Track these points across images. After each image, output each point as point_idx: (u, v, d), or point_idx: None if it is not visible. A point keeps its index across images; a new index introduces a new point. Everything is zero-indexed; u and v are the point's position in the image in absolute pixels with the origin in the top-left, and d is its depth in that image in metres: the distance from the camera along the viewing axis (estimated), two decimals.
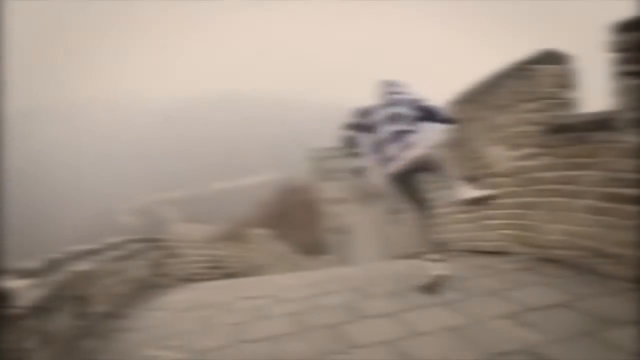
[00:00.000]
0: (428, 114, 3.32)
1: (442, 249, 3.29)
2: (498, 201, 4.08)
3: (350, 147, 3.47)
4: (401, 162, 3.10)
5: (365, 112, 3.36)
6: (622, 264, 2.75)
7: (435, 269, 3.20)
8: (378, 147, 3.22)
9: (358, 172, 3.71)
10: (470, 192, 3.15)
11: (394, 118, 3.19)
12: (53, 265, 2.80)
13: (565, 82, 3.54)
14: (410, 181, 3.18)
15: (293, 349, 2.48)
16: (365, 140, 3.34)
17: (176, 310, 3.67)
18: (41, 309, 2.23)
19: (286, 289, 3.48)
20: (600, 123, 2.86)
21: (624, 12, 2.66)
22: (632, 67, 2.59)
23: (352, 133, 3.43)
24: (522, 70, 3.62)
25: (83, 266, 3.12)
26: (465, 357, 2.13)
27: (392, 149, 3.14)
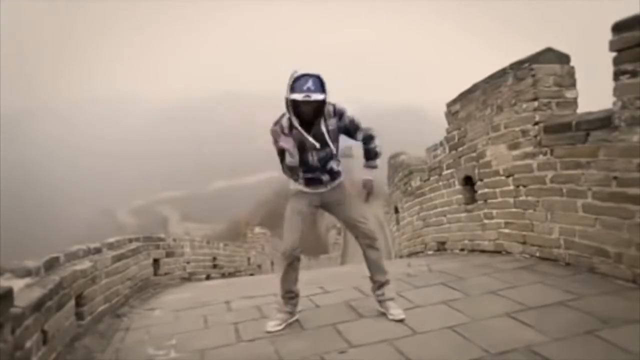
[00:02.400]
0: None
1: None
2: (498, 200, 4.09)
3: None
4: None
5: None
6: (622, 263, 2.76)
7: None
8: None
9: None
10: None
11: None
12: (53, 265, 2.79)
13: (565, 81, 3.54)
14: None
15: (293, 348, 2.48)
16: None
17: (176, 309, 3.66)
18: (41, 309, 2.23)
19: None
20: (600, 122, 2.86)
21: (624, 11, 2.66)
22: (631, 66, 2.59)
23: None
24: (522, 70, 3.62)
25: (83, 266, 3.12)
26: (465, 357, 2.12)
27: None
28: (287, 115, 2.54)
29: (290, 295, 2.84)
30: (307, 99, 2.37)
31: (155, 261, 5.28)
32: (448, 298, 2.97)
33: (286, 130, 2.57)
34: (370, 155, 2.80)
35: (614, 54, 2.69)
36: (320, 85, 2.42)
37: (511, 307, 2.64)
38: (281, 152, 2.63)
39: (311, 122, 2.55)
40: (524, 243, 3.78)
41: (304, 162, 2.65)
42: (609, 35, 2.70)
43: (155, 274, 5.26)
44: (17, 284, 2.18)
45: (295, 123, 2.51)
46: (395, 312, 2.72)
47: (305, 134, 2.55)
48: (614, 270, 2.81)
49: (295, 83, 2.39)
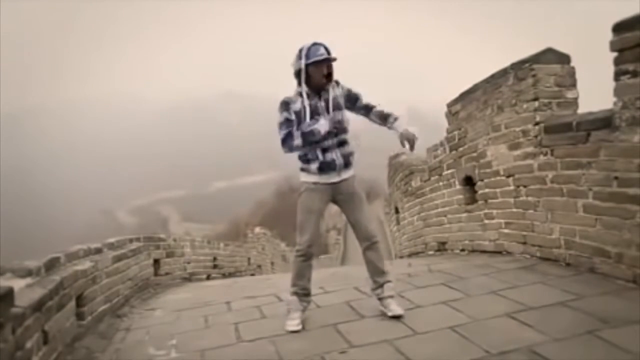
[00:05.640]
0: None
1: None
2: (498, 200, 4.09)
3: None
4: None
5: None
6: (623, 264, 2.76)
7: None
8: None
9: None
10: None
11: None
12: (53, 265, 2.79)
13: (566, 81, 3.54)
14: None
15: (294, 348, 2.48)
16: None
17: (176, 309, 3.66)
18: (41, 309, 2.23)
19: (286, 289, 3.47)
20: (601, 122, 2.86)
21: (624, 11, 2.66)
22: (632, 66, 2.59)
23: None
24: (522, 70, 3.62)
25: (83, 266, 3.12)
26: (465, 357, 2.12)
27: None
28: (296, 90, 2.78)
29: (305, 292, 2.88)
30: (327, 56, 2.69)
31: (156, 261, 5.28)
32: (448, 298, 2.97)
33: (295, 100, 2.77)
34: (385, 115, 2.87)
35: (614, 54, 2.69)
36: (329, 51, 2.73)
37: (512, 307, 2.64)
38: (282, 123, 2.76)
39: (319, 90, 2.77)
40: (524, 243, 3.78)
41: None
42: (609, 35, 2.70)
43: (156, 274, 5.26)
44: (17, 284, 2.18)
45: (305, 90, 2.74)
46: (394, 308, 2.73)
47: (315, 100, 2.76)
48: (615, 270, 2.81)
49: (310, 51, 2.69)
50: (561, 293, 2.73)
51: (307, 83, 2.74)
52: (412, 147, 2.84)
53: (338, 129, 2.79)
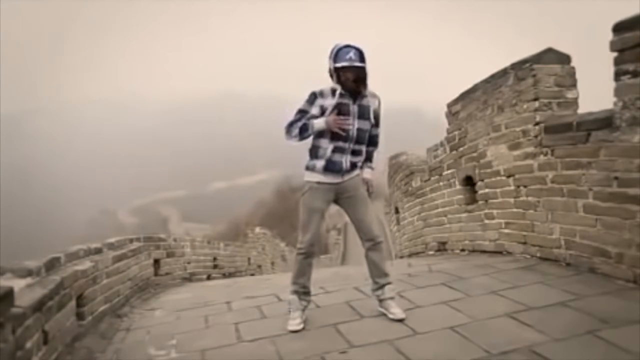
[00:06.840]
0: None
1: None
2: (498, 201, 4.09)
3: None
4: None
5: None
6: (623, 264, 2.76)
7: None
8: None
9: None
10: None
11: None
12: (53, 265, 2.79)
13: (566, 81, 3.54)
14: None
15: (294, 348, 2.48)
16: None
17: (176, 309, 3.66)
18: (42, 309, 2.23)
19: (286, 288, 3.47)
20: (601, 122, 2.86)
21: (625, 12, 2.66)
22: (632, 66, 2.59)
23: None
24: (523, 70, 3.62)
25: (83, 266, 3.12)
26: (466, 357, 2.12)
27: None
28: (331, 86, 2.73)
29: (305, 291, 2.89)
30: (351, 63, 2.60)
31: (156, 261, 5.28)
32: (449, 298, 2.97)
33: (326, 95, 2.72)
34: (370, 157, 2.97)
35: (614, 54, 2.69)
36: (360, 56, 2.63)
37: (512, 307, 2.64)
38: (297, 112, 2.74)
39: (354, 93, 2.71)
40: (524, 243, 3.78)
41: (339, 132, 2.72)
42: (609, 35, 2.70)
43: (156, 274, 5.26)
44: (17, 284, 2.18)
45: (339, 90, 2.68)
46: (395, 311, 2.73)
47: (349, 101, 2.71)
48: (615, 270, 2.81)
49: (339, 53, 2.62)
50: (561, 293, 2.73)
51: (340, 83, 2.69)
52: (369, 192, 2.93)
53: (359, 137, 2.77)
